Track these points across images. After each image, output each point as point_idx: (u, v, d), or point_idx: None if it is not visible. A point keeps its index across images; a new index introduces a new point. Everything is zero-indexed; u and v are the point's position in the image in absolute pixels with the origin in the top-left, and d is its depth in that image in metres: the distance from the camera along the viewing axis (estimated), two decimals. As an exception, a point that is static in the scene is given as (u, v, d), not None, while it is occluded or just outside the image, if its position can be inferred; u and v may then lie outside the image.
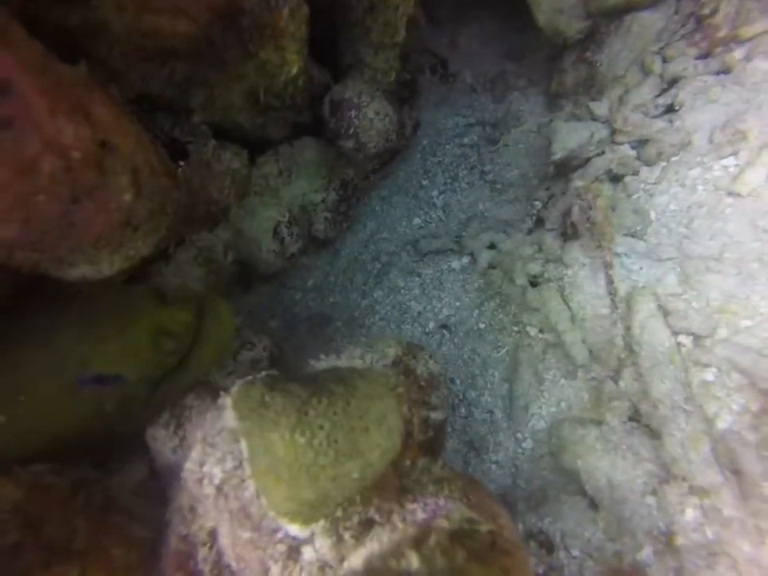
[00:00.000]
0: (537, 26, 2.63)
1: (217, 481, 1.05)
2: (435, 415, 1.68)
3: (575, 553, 1.76)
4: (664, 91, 2.14)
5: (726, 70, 2.08)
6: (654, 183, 2.06)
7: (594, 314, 2.03)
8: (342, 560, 0.98)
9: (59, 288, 1.37)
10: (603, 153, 2.23)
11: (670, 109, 2.13)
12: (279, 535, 1.01)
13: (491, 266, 2.62)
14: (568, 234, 2.35)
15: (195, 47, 1.70)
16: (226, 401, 1.01)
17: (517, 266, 2.40)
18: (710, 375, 1.70)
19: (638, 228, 2.03)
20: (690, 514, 1.55)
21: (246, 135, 2.32)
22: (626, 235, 2.05)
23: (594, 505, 1.79)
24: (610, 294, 1.88)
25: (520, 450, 2.11)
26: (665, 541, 1.60)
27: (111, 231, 1.33)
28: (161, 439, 1.53)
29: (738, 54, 2.04)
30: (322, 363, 1.49)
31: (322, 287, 2.92)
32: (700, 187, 1.94)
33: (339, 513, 1.02)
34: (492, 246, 2.65)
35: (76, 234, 1.25)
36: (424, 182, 3.21)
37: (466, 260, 2.79)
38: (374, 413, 1.01)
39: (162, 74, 1.77)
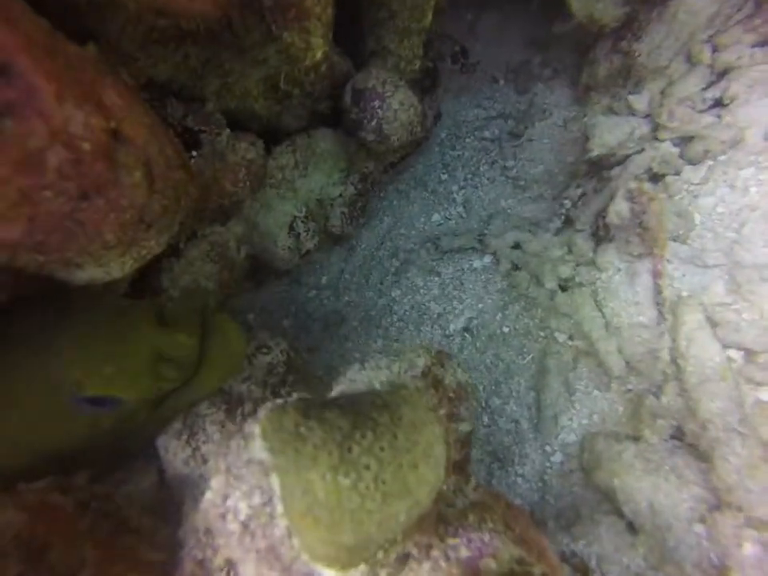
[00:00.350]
0: (569, 13, 2.47)
1: (242, 516, 0.93)
2: (463, 427, 1.59)
3: (613, 580, 1.65)
4: (713, 83, 1.97)
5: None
6: (699, 184, 1.91)
7: (630, 323, 1.91)
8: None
9: (57, 297, 1.27)
10: (643, 150, 2.09)
11: (719, 103, 1.96)
12: (312, 580, 0.90)
13: (516, 267, 2.49)
14: (600, 235, 2.22)
15: (212, 29, 1.56)
16: (254, 429, 0.90)
17: (546, 268, 2.26)
18: (765, 395, 1.58)
19: (680, 232, 1.88)
20: (749, 548, 1.42)
21: (261, 124, 2.18)
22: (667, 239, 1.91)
23: (632, 528, 1.67)
24: (658, 304, 1.75)
25: (548, 464, 1.99)
26: (716, 575, 1.48)
27: (122, 230, 1.22)
28: (172, 449, 1.44)
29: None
30: (349, 374, 1.39)
31: (337, 285, 2.80)
32: (753, 189, 1.79)
33: (380, 555, 0.91)
34: (516, 246, 2.52)
35: (84, 234, 1.14)
36: (443, 177, 3.08)
37: (487, 259, 2.66)
38: (422, 444, 0.89)
39: (176, 58, 1.64)
